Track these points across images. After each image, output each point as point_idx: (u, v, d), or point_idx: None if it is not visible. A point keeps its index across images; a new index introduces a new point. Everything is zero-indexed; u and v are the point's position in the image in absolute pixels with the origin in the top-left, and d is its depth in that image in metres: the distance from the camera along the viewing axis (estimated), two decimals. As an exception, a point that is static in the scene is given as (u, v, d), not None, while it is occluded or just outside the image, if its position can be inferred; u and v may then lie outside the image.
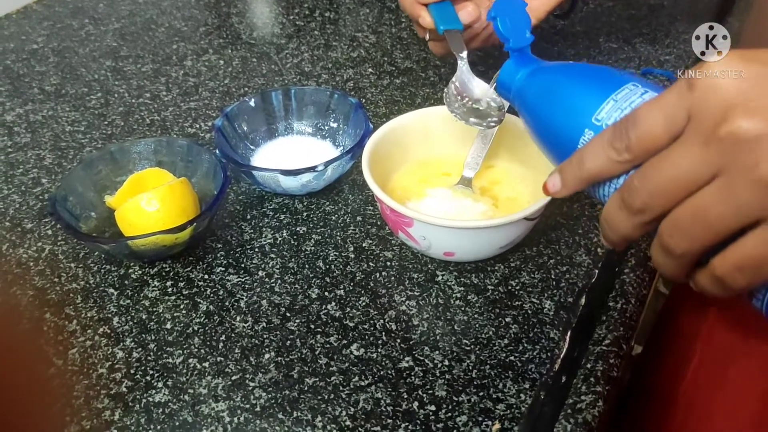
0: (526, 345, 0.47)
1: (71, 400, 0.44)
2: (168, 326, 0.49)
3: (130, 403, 0.44)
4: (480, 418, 0.42)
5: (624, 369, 0.46)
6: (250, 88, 0.75)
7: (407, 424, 0.42)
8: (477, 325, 0.48)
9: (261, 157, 0.63)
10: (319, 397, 0.44)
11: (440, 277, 0.52)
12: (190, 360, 0.47)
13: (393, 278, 0.52)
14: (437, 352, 0.46)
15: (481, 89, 0.54)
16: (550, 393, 0.44)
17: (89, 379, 0.46)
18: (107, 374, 0.46)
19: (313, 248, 0.55)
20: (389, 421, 0.42)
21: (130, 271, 0.54)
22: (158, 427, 0.43)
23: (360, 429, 0.42)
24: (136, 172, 0.58)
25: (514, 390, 0.44)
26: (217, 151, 0.57)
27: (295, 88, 0.65)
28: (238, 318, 0.49)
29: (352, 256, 0.54)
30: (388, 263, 0.53)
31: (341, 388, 0.44)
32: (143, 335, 0.49)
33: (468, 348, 0.47)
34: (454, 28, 0.57)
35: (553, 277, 0.51)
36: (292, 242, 0.56)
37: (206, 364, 0.46)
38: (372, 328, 0.48)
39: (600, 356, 0.46)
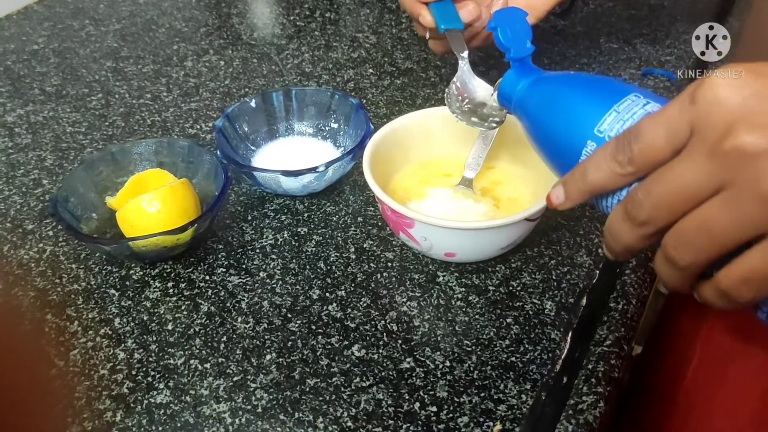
0: (527, 346, 0.47)
1: (73, 401, 0.45)
2: (169, 327, 0.49)
3: (132, 405, 0.44)
4: (481, 419, 0.42)
5: (624, 369, 0.47)
6: (251, 89, 0.75)
7: (408, 425, 0.42)
8: (478, 326, 0.48)
9: (262, 157, 0.63)
10: (321, 398, 0.44)
11: (441, 278, 0.52)
12: (192, 361, 0.47)
13: (394, 279, 0.52)
14: (438, 353, 0.46)
15: (482, 90, 0.54)
16: (551, 394, 0.44)
17: (90, 380, 0.46)
18: (108, 375, 0.46)
19: (314, 249, 0.55)
20: (390, 422, 0.42)
21: (132, 272, 0.54)
22: (160, 428, 0.43)
23: (361, 430, 0.42)
24: (137, 173, 0.58)
25: (516, 391, 0.44)
26: (218, 152, 0.57)
27: (296, 88, 0.65)
28: (239, 319, 0.50)
29: (353, 257, 0.54)
30: (389, 264, 0.53)
31: (342, 389, 0.44)
32: (144, 336, 0.49)
33: (469, 349, 0.47)
34: (455, 27, 0.57)
35: (554, 277, 0.52)
36: (293, 243, 0.56)
37: (207, 365, 0.46)
38: (373, 329, 0.48)
39: (601, 357, 0.46)
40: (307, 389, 0.45)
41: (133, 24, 0.89)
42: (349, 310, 0.50)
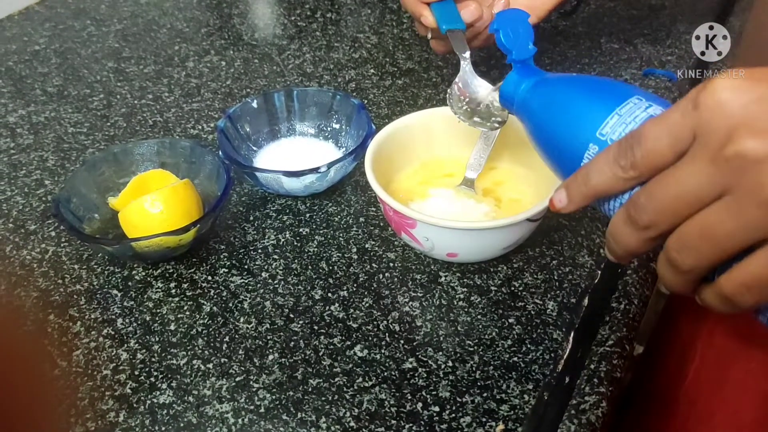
0: (529, 346, 0.47)
1: (76, 402, 0.45)
2: (172, 327, 0.49)
3: (135, 405, 0.44)
4: (484, 419, 0.42)
5: (626, 369, 0.47)
6: (252, 89, 0.75)
7: (411, 425, 0.42)
8: (480, 326, 0.48)
9: (264, 158, 0.63)
10: (323, 398, 0.44)
11: (443, 278, 0.52)
12: (194, 361, 0.47)
13: (396, 279, 0.52)
14: (441, 353, 0.47)
15: (483, 90, 0.54)
16: (553, 394, 0.44)
17: (93, 381, 0.46)
18: (111, 375, 0.46)
19: (316, 249, 0.55)
20: (393, 422, 0.42)
21: (134, 272, 0.54)
22: (163, 429, 0.43)
23: (364, 430, 0.42)
24: (139, 173, 0.58)
25: (518, 391, 0.44)
26: (220, 153, 0.57)
27: (298, 89, 0.65)
28: (241, 319, 0.50)
29: (355, 257, 0.54)
30: (391, 264, 0.53)
31: (345, 389, 0.44)
32: (147, 336, 0.49)
33: (471, 349, 0.47)
34: (457, 27, 0.57)
35: (556, 278, 0.52)
36: (295, 243, 0.56)
37: (210, 366, 0.46)
38: (375, 329, 0.48)
39: (603, 357, 0.46)
40: (310, 389, 0.45)
41: (135, 24, 0.89)
42: (352, 310, 0.50)
